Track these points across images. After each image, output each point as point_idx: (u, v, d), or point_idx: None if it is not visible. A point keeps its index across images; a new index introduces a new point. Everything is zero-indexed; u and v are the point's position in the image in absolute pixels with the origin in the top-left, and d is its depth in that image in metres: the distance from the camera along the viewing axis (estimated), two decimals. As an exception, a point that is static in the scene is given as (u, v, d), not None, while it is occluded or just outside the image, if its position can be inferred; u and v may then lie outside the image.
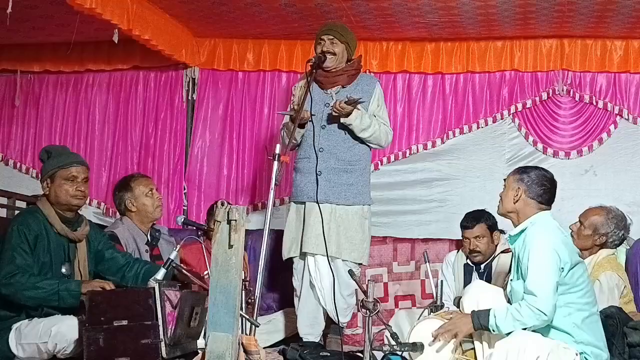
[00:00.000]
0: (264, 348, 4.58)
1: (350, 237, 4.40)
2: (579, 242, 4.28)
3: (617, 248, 4.39)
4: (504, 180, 3.69)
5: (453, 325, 3.46)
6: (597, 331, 3.46)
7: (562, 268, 3.37)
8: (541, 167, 3.72)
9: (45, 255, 3.56)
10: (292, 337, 4.68)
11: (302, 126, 4.36)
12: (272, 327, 4.79)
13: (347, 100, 4.25)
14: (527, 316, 3.29)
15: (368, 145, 4.52)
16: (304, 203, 4.42)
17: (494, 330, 3.36)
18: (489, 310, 3.38)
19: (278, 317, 4.90)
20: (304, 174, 4.44)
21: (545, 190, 3.56)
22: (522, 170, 3.64)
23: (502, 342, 3.30)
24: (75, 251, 3.70)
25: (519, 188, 3.57)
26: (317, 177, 4.35)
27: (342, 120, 4.33)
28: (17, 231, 3.51)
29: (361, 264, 4.52)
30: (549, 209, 3.61)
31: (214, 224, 3.04)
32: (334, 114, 4.32)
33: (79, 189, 3.68)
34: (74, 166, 3.71)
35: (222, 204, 3.02)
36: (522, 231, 3.53)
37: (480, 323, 3.38)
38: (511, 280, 3.57)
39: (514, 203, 3.57)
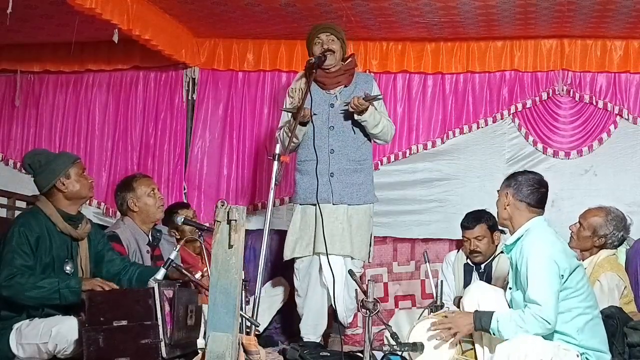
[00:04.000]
0: (265, 337, 4.63)
1: (362, 236, 4.44)
2: (578, 243, 4.28)
3: (618, 248, 4.38)
4: (497, 191, 3.70)
5: (453, 324, 3.46)
6: (599, 334, 3.46)
7: (562, 275, 3.36)
8: (531, 171, 3.73)
9: (47, 255, 3.56)
10: (292, 320, 4.69)
11: (303, 124, 4.37)
12: (263, 304, 4.78)
13: (364, 97, 4.27)
14: (531, 324, 3.29)
15: (375, 142, 4.56)
16: (314, 204, 4.40)
17: (494, 334, 3.36)
18: (491, 313, 3.38)
19: (262, 294, 4.89)
20: (312, 176, 4.43)
21: (533, 191, 3.55)
22: (510, 176, 3.66)
23: (504, 345, 3.30)
24: (77, 249, 3.70)
25: (507, 192, 3.58)
26: (329, 178, 4.35)
27: (356, 117, 4.35)
28: (19, 233, 3.51)
29: (366, 261, 4.56)
30: (542, 212, 3.60)
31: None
32: (350, 110, 4.33)
33: (90, 180, 3.80)
34: (79, 161, 3.80)
35: (222, 204, 3.02)
36: (518, 240, 3.52)
37: (482, 325, 3.38)
38: (510, 289, 3.57)
39: (505, 208, 3.58)
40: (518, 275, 3.46)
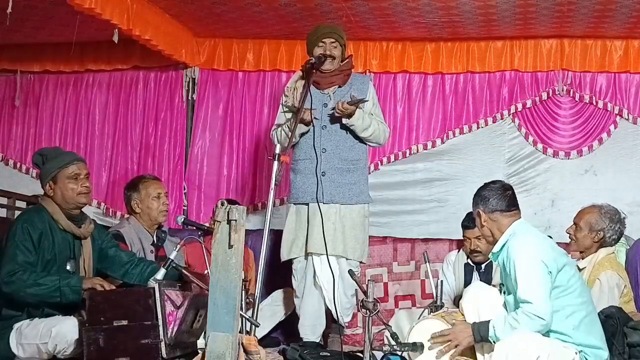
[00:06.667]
0: (265, 338, 4.62)
1: (355, 236, 4.42)
2: (578, 244, 4.27)
3: (617, 248, 4.38)
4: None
5: (454, 337, 3.44)
6: (595, 330, 3.46)
7: (550, 272, 3.36)
8: (492, 181, 3.72)
9: (50, 252, 3.55)
10: (292, 320, 4.70)
11: (306, 124, 4.36)
12: (265, 312, 4.78)
13: (350, 100, 4.26)
14: (525, 323, 3.28)
15: (367, 144, 4.54)
16: (306, 204, 4.42)
17: (494, 342, 3.36)
18: (488, 322, 3.38)
19: (270, 302, 4.90)
20: (306, 175, 4.44)
21: (499, 197, 3.57)
22: (475, 195, 3.67)
23: (502, 342, 3.30)
24: (80, 248, 3.69)
25: (478, 211, 3.61)
26: (320, 177, 4.35)
27: (344, 121, 4.35)
28: (21, 229, 3.51)
29: (362, 262, 4.54)
30: (519, 213, 3.60)
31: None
32: (336, 114, 4.33)
33: (84, 186, 3.67)
34: (74, 164, 3.70)
35: (222, 204, 3.02)
36: (503, 245, 3.53)
37: (481, 336, 3.38)
38: (504, 293, 3.57)
39: (483, 226, 3.61)
40: (508, 278, 3.46)
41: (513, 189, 3.66)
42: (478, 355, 3.48)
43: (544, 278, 3.34)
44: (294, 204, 4.50)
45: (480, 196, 3.62)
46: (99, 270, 3.79)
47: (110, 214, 5.88)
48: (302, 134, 4.42)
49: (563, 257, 3.49)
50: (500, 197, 3.57)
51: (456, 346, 3.44)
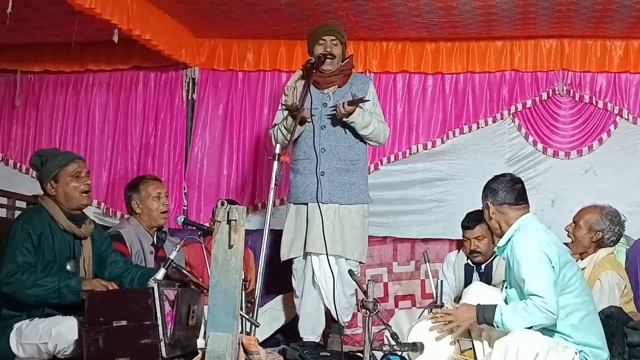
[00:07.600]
0: (266, 341, 4.62)
1: (355, 236, 4.42)
2: (576, 244, 4.27)
3: (617, 248, 4.38)
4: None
5: (455, 317, 3.45)
6: (595, 330, 3.46)
7: (552, 267, 3.37)
8: (502, 174, 3.73)
9: (50, 253, 3.55)
10: (292, 321, 4.70)
11: (301, 124, 4.36)
12: (268, 317, 4.79)
13: (350, 100, 4.26)
14: (536, 315, 3.28)
15: (367, 143, 4.54)
16: (306, 204, 4.42)
17: (498, 327, 3.35)
18: (494, 306, 3.38)
19: (273, 306, 4.91)
20: (305, 175, 4.44)
21: (508, 190, 3.57)
22: (485, 187, 3.67)
23: (501, 340, 3.30)
24: (80, 249, 3.70)
25: (487, 203, 3.62)
26: (319, 177, 4.35)
27: (344, 119, 4.34)
28: (21, 229, 3.51)
29: (361, 262, 4.54)
30: (527, 207, 3.61)
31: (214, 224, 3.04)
32: (338, 116, 4.33)
33: (85, 183, 3.69)
34: (75, 162, 3.72)
35: (222, 204, 3.02)
36: (509, 240, 3.53)
37: (485, 319, 3.38)
38: (506, 287, 3.57)
39: (491, 219, 3.61)
40: (511, 273, 3.46)
41: (523, 183, 3.66)
42: (476, 343, 3.49)
43: (550, 272, 3.34)
44: (294, 203, 4.51)
45: (489, 188, 3.62)
46: (96, 275, 3.78)
47: (110, 214, 5.88)
48: (300, 133, 4.42)
49: (566, 255, 3.49)
50: (509, 190, 3.57)
51: (457, 327, 3.44)
